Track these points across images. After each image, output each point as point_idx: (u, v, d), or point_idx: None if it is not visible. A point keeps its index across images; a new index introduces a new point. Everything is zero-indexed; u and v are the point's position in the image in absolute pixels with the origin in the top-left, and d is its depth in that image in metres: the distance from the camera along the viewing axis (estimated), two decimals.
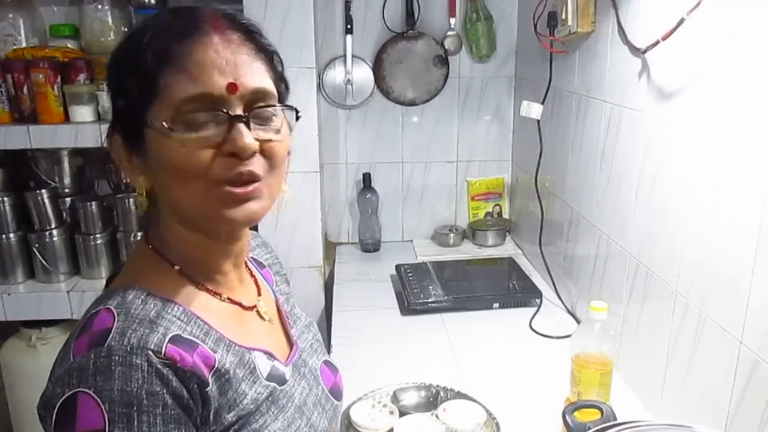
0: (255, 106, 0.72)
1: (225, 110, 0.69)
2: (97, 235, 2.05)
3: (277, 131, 0.74)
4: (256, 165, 0.71)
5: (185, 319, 0.73)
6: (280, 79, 0.78)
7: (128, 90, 0.71)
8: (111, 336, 0.66)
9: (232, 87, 0.69)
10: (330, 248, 2.44)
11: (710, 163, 1.10)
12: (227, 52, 0.70)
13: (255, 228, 0.95)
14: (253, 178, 0.71)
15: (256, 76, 0.72)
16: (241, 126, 0.70)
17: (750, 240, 0.99)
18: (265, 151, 0.72)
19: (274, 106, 0.74)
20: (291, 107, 0.77)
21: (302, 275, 2.14)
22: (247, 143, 0.69)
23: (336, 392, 0.95)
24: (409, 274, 2.02)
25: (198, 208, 0.73)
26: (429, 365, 1.57)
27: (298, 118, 0.78)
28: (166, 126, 0.68)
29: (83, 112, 1.92)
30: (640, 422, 0.93)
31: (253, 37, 0.75)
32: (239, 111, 0.70)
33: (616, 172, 1.50)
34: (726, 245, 1.06)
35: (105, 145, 0.77)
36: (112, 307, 0.70)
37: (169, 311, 0.72)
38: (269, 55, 0.77)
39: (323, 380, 0.93)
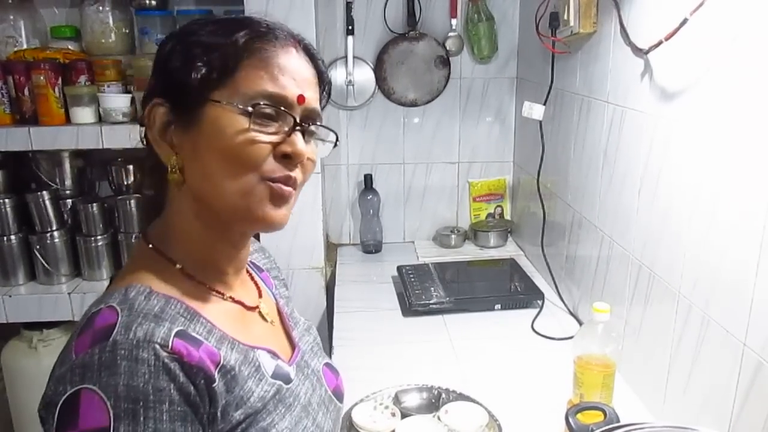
0: (308, 121, 0.77)
1: (293, 115, 0.74)
2: (98, 237, 2.05)
3: (314, 149, 0.80)
4: (299, 172, 0.76)
5: (188, 317, 0.72)
6: (322, 108, 0.83)
7: (203, 65, 0.73)
8: (116, 330, 0.65)
9: (301, 98, 0.75)
10: (331, 249, 2.44)
11: (713, 164, 1.10)
12: (302, 68, 0.77)
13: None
14: (294, 185, 0.76)
15: (315, 95, 0.79)
16: (299, 133, 0.75)
17: (754, 241, 0.98)
18: (303, 164, 0.77)
19: (327, 128, 0.82)
20: (335, 132, 0.84)
21: (303, 276, 2.14)
22: (302, 149, 0.74)
23: (338, 394, 0.95)
24: (411, 276, 2.02)
25: (240, 199, 0.73)
26: (431, 367, 1.57)
27: (336, 145, 0.84)
28: (242, 107, 0.71)
29: (84, 114, 1.92)
30: (643, 424, 0.93)
31: (317, 63, 0.81)
32: (299, 119, 0.75)
33: (619, 174, 1.50)
34: (729, 246, 1.06)
35: (144, 116, 0.77)
36: (114, 304, 0.69)
37: (172, 308, 0.71)
38: (326, 81, 0.83)
39: (326, 382, 0.93)
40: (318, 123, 0.79)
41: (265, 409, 0.75)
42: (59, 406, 0.63)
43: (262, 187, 0.73)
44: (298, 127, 0.75)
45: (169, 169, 0.75)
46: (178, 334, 0.67)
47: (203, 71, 0.73)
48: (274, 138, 0.73)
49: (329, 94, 0.86)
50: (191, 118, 0.73)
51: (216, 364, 0.70)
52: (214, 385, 0.68)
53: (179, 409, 0.65)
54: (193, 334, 0.70)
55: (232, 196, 0.73)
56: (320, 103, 0.81)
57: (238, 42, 0.73)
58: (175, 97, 0.75)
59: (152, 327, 0.66)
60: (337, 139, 0.84)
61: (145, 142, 0.79)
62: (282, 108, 0.74)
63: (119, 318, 0.66)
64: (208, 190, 0.75)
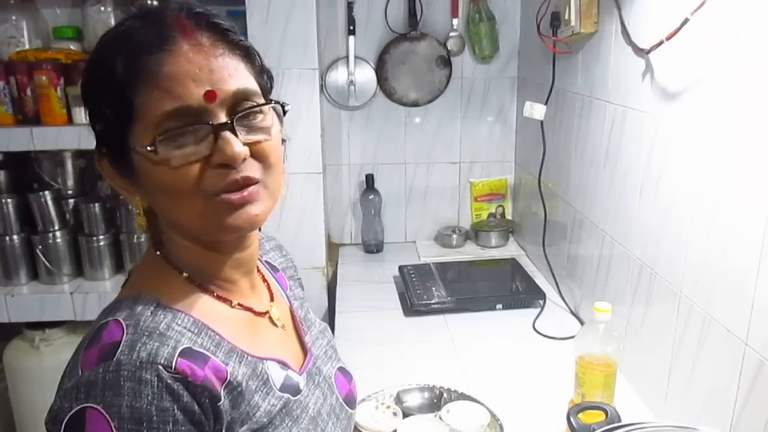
0: (239, 109, 0.69)
1: (207, 121, 0.66)
2: (100, 237, 2.06)
3: (266, 130, 0.71)
4: (250, 169, 0.69)
5: (196, 331, 0.71)
6: (260, 73, 0.74)
7: (105, 114, 0.68)
8: (120, 350, 0.64)
9: (210, 95, 0.66)
10: (333, 249, 2.44)
11: (715, 164, 1.10)
12: (199, 59, 0.66)
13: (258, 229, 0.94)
14: (248, 182, 0.69)
15: (233, 77, 0.68)
16: (227, 134, 0.67)
17: (755, 241, 0.98)
18: (256, 153, 0.69)
19: (258, 105, 0.70)
20: (276, 102, 0.74)
21: (305, 276, 2.11)
22: (236, 151, 0.66)
23: (350, 400, 0.93)
24: (412, 275, 2.02)
25: (197, 223, 0.71)
26: (432, 366, 1.57)
27: (285, 111, 0.75)
28: (149, 149, 0.66)
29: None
30: (644, 424, 0.93)
31: (224, 34, 0.70)
32: (223, 118, 0.67)
33: (620, 173, 1.50)
34: (731, 246, 1.06)
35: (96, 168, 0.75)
36: (120, 319, 0.68)
37: (179, 323, 0.70)
38: (244, 51, 0.71)
39: (337, 388, 0.91)
40: (255, 102, 0.70)
41: (271, 424, 0.74)
42: (65, 423, 0.63)
43: (212, 204, 0.68)
44: (223, 129, 0.66)
45: (135, 211, 0.74)
46: (182, 353, 0.66)
47: (106, 115, 0.68)
48: (201, 154, 0.66)
49: (259, 55, 0.74)
50: (125, 165, 0.70)
51: (222, 381, 0.69)
52: (219, 403, 0.68)
53: (183, 428, 0.64)
54: (200, 349, 0.69)
55: (189, 222, 0.71)
56: (250, 72, 0.71)
57: (117, 71, 0.65)
58: (106, 146, 0.72)
59: (156, 347, 0.65)
60: (283, 108, 0.74)
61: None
62: (194, 119, 0.66)
63: (124, 336, 0.66)
64: (171, 220, 0.74)
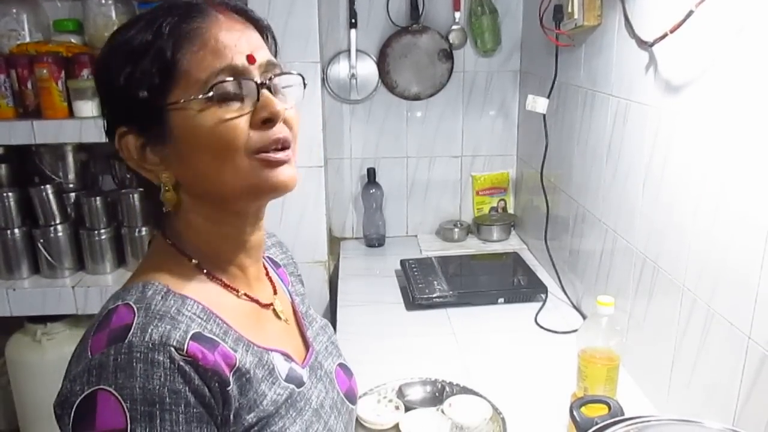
0: (269, 76, 0.74)
1: (252, 78, 0.71)
2: (102, 231, 2.05)
3: (293, 100, 0.77)
4: (285, 130, 0.74)
5: (204, 317, 0.72)
6: (275, 55, 0.80)
7: (145, 79, 0.69)
8: (132, 332, 0.64)
9: (251, 58, 0.72)
10: (334, 243, 2.44)
11: (718, 157, 1.09)
12: (236, 31, 0.72)
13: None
14: (286, 143, 0.74)
15: (263, 49, 0.75)
16: (267, 93, 0.72)
17: (759, 234, 0.98)
18: (286, 119, 0.74)
19: (289, 73, 0.77)
20: (300, 75, 0.79)
21: (307, 270, 2.12)
22: (277, 107, 0.72)
23: (351, 396, 0.93)
24: (414, 269, 2.02)
25: (239, 181, 0.72)
26: (434, 360, 1.57)
27: (305, 85, 0.80)
28: (201, 96, 0.69)
29: (87, 107, 1.92)
30: (647, 417, 0.93)
31: (249, 15, 0.77)
32: (260, 80, 0.72)
33: (623, 167, 1.49)
34: (734, 239, 1.05)
35: (117, 150, 0.75)
36: (131, 303, 0.68)
37: (189, 308, 0.71)
38: (269, 38, 0.79)
39: (338, 384, 0.91)
40: (279, 72, 0.76)
41: (277, 413, 0.74)
42: (76, 405, 0.63)
43: (256, 163, 0.72)
44: (263, 88, 0.72)
45: (162, 188, 0.74)
46: (193, 337, 0.67)
47: (147, 81, 0.70)
48: (246, 109, 0.71)
49: (275, 39, 0.81)
50: (161, 132, 0.71)
51: (231, 367, 0.69)
52: (228, 388, 0.68)
53: (195, 411, 0.64)
54: (209, 335, 0.69)
55: (232, 182, 0.72)
56: (271, 52, 0.78)
57: (164, 35, 0.69)
58: (137, 118, 0.72)
59: (168, 329, 0.66)
60: (304, 81, 0.79)
61: (129, 173, 0.78)
62: (240, 77, 0.71)
63: (135, 318, 0.66)
64: (209, 187, 0.74)
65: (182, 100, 0.69)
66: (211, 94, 0.69)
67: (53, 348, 2.02)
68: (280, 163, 0.73)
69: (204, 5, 0.73)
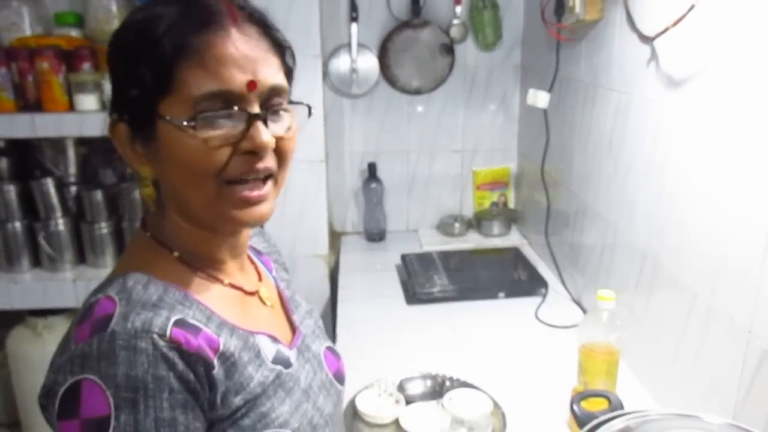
0: (272, 103, 0.72)
1: (245, 108, 0.69)
2: (102, 224, 2.05)
3: (288, 128, 0.74)
4: (270, 161, 0.72)
5: (187, 304, 0.72)
6: (289, 74, 0.77)
7: (140, 79, 0.68)
8: (114, 321, 0.65)
9: (251, 85, 0.69)
10: (335, 238, 2.44)
11: (720, 152, 1.09)
12: (246, 48, 0.69)
13: None
14: (269, 173, 0.72)
15: (272, 72, 0.72)
16: (260, 124, 0.69)
17: (760, 230, 0.98)
18: (278, 148, 0.72)
19: (292, 103, 0.75)
20: (306, 105, 0.77)
21: (307, 265, 2.14)
22: (266, 140, 0.69)
23: (339, 377, 0.95)
24: (415, 264, 2.02)
25: (208, 207, 0.72)
26: (434, 355, 1.57)
27: (310, 114, 0.78)
28: (187, 124, 0.67)
29: (88, 101, 1.92)
30: (648, 411, 0.93)
31: (268, 31, 0.74)
32: (257, 108, 0.70)
33: (624, 161, 1.49)
34: (736, 235, 1.05)
35: (106, 132, 0.75)
36: (112, 294, 0.69)
37: (170, 296, 0.71)
38: (283, 51, 0.76)
39: (327, 365, 0.93)
40: (282, 101, 0.73)
41: (265, 394, 0.75)
42: (60, 395, 0.63)
43: (228, 192, 0.71)
44: (257, 119, 0.69)
45: (141, 182, 0.74)
46: (176, 323, 0.67)
47: (142, 81, 0.68)
48: (232, 137, 0.69)
49: (293, 57, 0.78)
50: (148, 132, 0.70)
51: (215, 351, 0.70)
52: (213, 371, 0.69)
53: (179, 396, 0.65)
54: (192, 321, 0.70)
55: (200, 204, 0.72)
56: (285, 71, 0.75)
57: (165, 42, 0.67)
58: (129, 112, 0.72)
59: (150, 316, 0.66)
60: (309, 110, 0.77)
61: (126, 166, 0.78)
62: (231, 106, 0.68)
63: (117, 308, 0.67)
64: (180, 199, 0.74)
65: (167, 117, 0.68)
66: (194, 123, 0.67)
67: (54, 341, 1.97)
68: (255, 201, 0.72)
69: (222, 17, 0.69)
